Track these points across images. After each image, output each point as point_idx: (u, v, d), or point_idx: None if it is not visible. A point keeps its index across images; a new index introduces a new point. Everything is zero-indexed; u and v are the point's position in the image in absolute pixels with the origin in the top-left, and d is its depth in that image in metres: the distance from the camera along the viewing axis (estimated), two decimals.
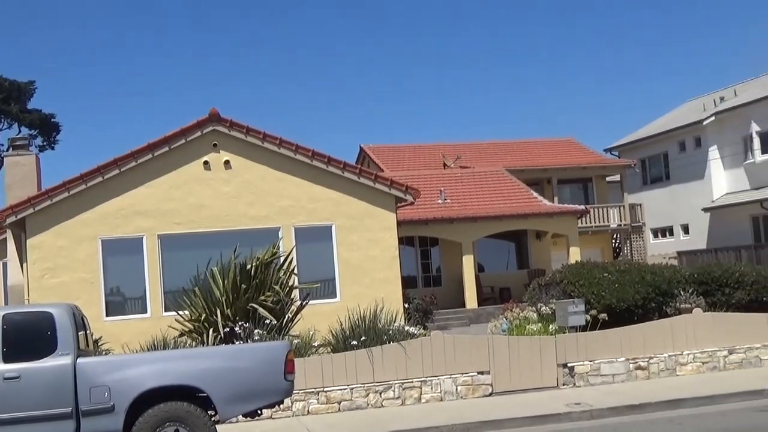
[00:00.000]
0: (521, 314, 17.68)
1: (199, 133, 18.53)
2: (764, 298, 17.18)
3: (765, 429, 10.49)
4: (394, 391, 13.64)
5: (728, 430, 10.58)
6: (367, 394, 13.54)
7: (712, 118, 42.48)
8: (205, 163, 18.69)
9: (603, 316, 15.11)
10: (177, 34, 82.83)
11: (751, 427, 10.64)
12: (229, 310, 14.06)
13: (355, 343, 13.89)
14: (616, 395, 13.18)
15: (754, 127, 40.23)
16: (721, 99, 44.36)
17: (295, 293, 15.77)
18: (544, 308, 16.95)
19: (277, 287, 14.95)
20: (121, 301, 18.37)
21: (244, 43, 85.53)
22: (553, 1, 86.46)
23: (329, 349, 14.41)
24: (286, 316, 15.08)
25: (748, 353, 15.18)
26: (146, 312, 17.99)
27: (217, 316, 13.93)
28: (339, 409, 13.39)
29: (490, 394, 13.90)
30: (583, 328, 14.96)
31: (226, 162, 18.82)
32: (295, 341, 13.95)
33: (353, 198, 19.82)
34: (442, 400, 13.75)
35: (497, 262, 34.09)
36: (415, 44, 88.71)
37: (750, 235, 40.43)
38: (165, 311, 17.59)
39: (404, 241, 23.90)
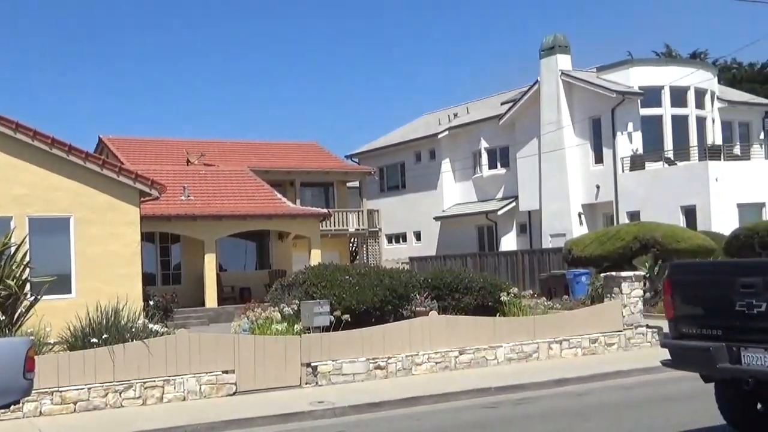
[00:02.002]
0: (263, 314, 17.73)
1: None
2: (489, 303, 18.39)
3: (493, 423, 11.32)
4: (135, 390, 13.24)
5: (461, 425, 11.31)
6: (106, 394, 13.04)
7: (446, 132, 45.02)
8: None
9: (346, 317, 15.55)
10: None
11: (482, 422, 11.44)
12: None
13: (95, 340, 13.32)
14: (357, 394, 13.64)
15: (483, 144, 43.12)
16: (455, 115, 47.09)
17: (30, 287, 14.86)
18: (286, 309, 17.12)
19: (9, 281, 14.05)
20: None
21: None
22: (315, 5, 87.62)
23: (66, 347, 13.71)
24: (18, 311, 14.21)
25: (476, 354, 16.25)
26: None
27: None
28: (75, 410, 12.78)
29: (234, 393, 13.87)
30: (327, 329, 15.32)
31: None
32: (30, 338, 13.13)
33: (95, 190, 19.04)
34: (185, 399, 13.53)
35: (238, 262, 34.04)
36: (152, 35, 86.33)
37: (476, 244, 43.26)
38: None
39: (144, 237, 23.19)
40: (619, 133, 35.81)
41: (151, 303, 22.48)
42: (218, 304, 28.58)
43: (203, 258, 28.62)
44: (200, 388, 13.69)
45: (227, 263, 33.19)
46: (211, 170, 33.83)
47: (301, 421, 12.28)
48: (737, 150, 38.12)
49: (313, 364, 14.62)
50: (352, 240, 42.00)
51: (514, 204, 40.85)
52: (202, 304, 28.57)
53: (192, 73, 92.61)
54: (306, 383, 14.51)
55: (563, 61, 37.93)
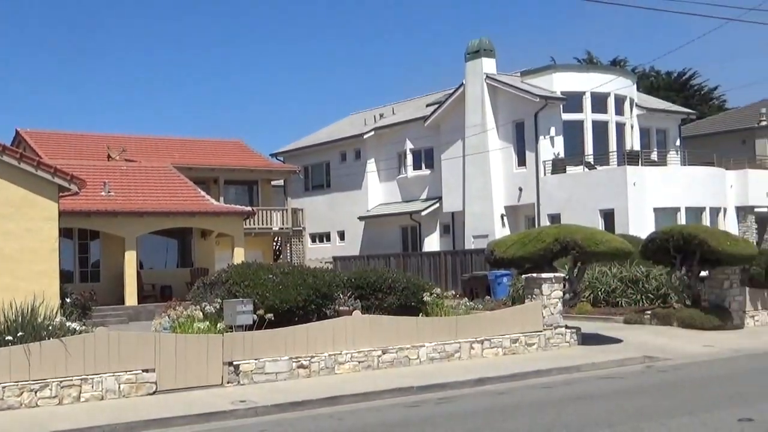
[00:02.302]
0: (185, 313, 17.53)
1: None
2: (412, 303, 18.51)
3: (415, 422, 11.40)
4: (51, 389, 12.93)
5: (384, 424, 11.37)
6: (21, 393, 12.71)
7: (372, 133, 45.14)
8: None
9: (269, 316, 15.47)
10: None
11: (404, 421, 11.51)
12: None
13: (10, 338, 12.98)
14: (280, 393, 13.59)
15: (408, 145, 43.36)
16: (381, 116, 47.25)
17: None
18: (208, 307, 16.94)
19: None
20: None
21: None
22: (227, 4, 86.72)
23: None
24: None
25: (399, 353, 16.35)
26: None
27: None
28: None
29: (155, 392, 13.67)
30: (250, 328, 15.22)
31: None
32: None
33: (12, 184, 18.54)
34: (103, 398, 13.28)
35: (159, 260, 33.54)
36: (71, 32, 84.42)
37: (399, 244, 43.48)
38: None
39: (62, 233, 22.60)
40: (541, 137, 36.42)
41: (69, 301, 22.02)
42: (138, 303, 28.13)
43: (123, 255, 28.12)
44: (119, 387, 13.46)
45: (148, 261, 32.67)
46: (132, 166, 33.25)
47: (222, 421, 12.17)
48: (654, 156, 39.17)
49: (235, 363, 14.51)
50: (276, 239, 41.80)
51: (437, 205, 41.20)
52: (122, 302, 28.08)
53: (115, 68, 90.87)
54: (228, 382, 14.39)
55: (488, 65, 38.40)
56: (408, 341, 16.59)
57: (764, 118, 44.33)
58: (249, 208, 32.50)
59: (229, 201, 36.46)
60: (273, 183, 43.12)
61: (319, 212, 46.64)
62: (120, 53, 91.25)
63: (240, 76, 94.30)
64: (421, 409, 12.45)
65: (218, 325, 15.68)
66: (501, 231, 36.44)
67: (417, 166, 43.23)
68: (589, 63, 59.46)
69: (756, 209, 37.61)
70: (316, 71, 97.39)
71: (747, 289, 23.05)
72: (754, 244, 28.68)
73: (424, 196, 42.62)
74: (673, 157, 39.14)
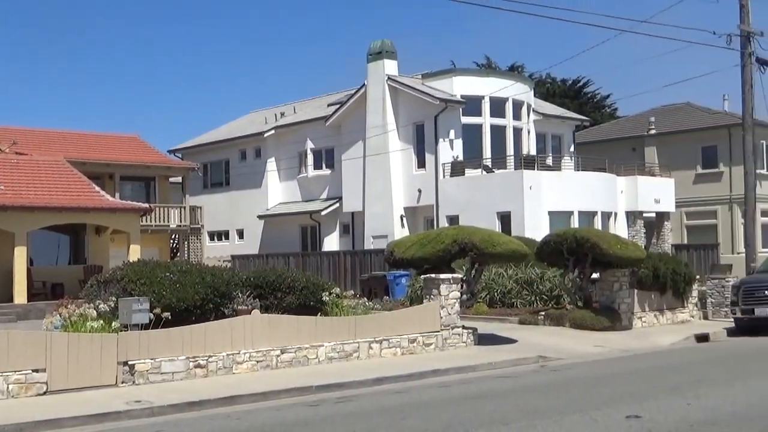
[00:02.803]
0: (77, 311, 17.06)
1: None
2: (311, 303, 18.49)
3: (314, 421, 11.39)
4: None
5: (282, 424, 11.32)
6: None
7: (273, 131, 44.90)
8: None
9: (166, 315, 15.23)
10: None
11: (302, 420, 11.50)
12: None
13: None
14: (176, 393, 13.38)
15: (309, 144, 43.29)
16: (282, 114, 47.01)
17: None
18: (103, 306, 16.54)
19: None
20: None
21: None
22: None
23: None
24: None
25: (298, 353, 16.31)
26: None
27: None
28: None
29: (45, 393, 13.27)
30: (146, 327, 14.94)
31: None
32: None
33: None
34: None
35: (51, 256, 32.56)
36: None
37: (299, 243, 43.37)
38: None
39: None
40: (441, 140, 36.89)
41: None
42: (28, 300, 27.26)
43: (12, 251, 27.20)
44: (8, 388, 13.02)
45: (39, 257, 31.64)
46: (23, 159, 32.15)
47: (116, 421, 11.91)
48: (550, 161, 40.15)
49: (130, 363, 14.22)
50: (173, 236, 41.12)
51: (338, 205, 41.25)
52: (11, 300, 27.16)
53: (5, 58, 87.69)
54: (123, 382, 14.09)
55: (390, 67, 38.67)
56: (307, 341, 16.57)
57: (653, 127, 46.02)
58: (146, 205, 31.89)
59: (125, 197, 35.69)
60: (171, 180, 42.40)
61: (218, 210, 46.09)
62: (14, 42, 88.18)
63: (138, 71, 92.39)
64: (320, 408, 12.46)
65: (113, 324, 15.31)
66: (400, 232, 36.74)
67: (318, 166, 43.18)
68: (488, 68, 60.54)
69: (645, 214, 39.01)
70: (216, 69, 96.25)
71: (636, 291, 23.88)
72: (643, 247, 29.74)
73: (324, 195, 42.60)
74: (568, 162, 40.21)
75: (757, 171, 32.22)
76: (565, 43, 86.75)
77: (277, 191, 45.16)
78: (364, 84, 39.57)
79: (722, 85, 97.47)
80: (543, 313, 23.57)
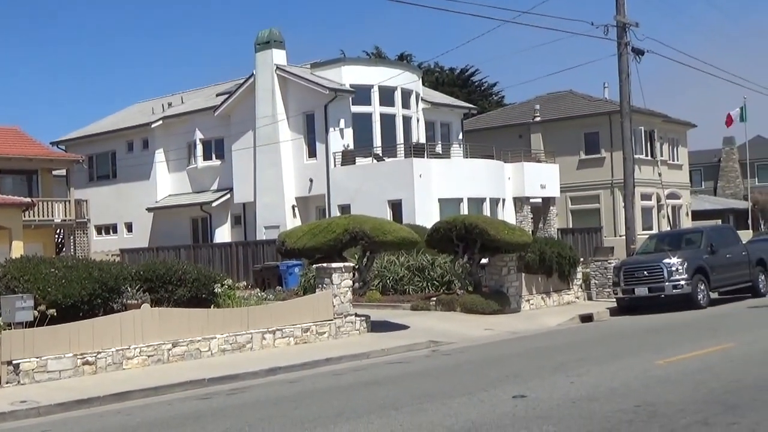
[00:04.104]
0: None
1: None
2: (203, 295, 18.36)
3: (206, 413, 11.36)
4: None
5: (175, 417, 11.26)
6: None
7: (160, 122, 44.10)
8: None
9: (52, 311, 14.87)
10: None
11: (195, 413, 11.45)
12: None
13: None
14: (64, 391, 13.11)
15: (198, 135, 42.74)
16: (170, 104, 46.20)
17: None
18: None
19: None
20: None
21: None
22: None
23: None
24: None
25: (190, 346, 16.18)
26: None
27: None
28: None
29: None
30: (31, 324, 14.57)
31: None
32: None
33: None
34: None
35: None
36: None
37: (190, 236, 42.79)
38: None
39: None
40: (331, 129, 36.97)
41: None
42: None
43: None
44: None
45: None
46: None
47: (0, 423, 11.60)
48: (439, 149, 40.77)
49: (15, 362, 13.85)
50: (58, 231, 39.93)
51: (228, 196, 40.86)
52: None
53: None
54: (7, 383, 13.71)
55: (278, 56, 38.48)
56: (199, 333, 16.47)
57: (538, 114, 47.25)
58: (28, 199, 30.94)
59: (5, 192, 34.45)
60: (54, 173, 41.15)
61: (105, 203, 44.97)
62: None
63: (16, 61, 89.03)
64: (212, 400, 12.43)
65: None
66: (292, 222, 36.70)
67: (207, 157, 42.65)
68: (377, 57, 60.88)
69: (531, 200, 40.05)
70: (98, 58, 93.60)
71: (523, 275, 24.57)
72: (530, 232, 30.58)
73: (215, 186, 42.12)
74: (456, 150, 40.89)
75: (636, 156, 33.56)
76: (452, 34, 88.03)
77: (167, 183, 44.40)
78: (252, 74, 39.26)
79: (602, 74, 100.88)
80: (435, 298, 24.00)
